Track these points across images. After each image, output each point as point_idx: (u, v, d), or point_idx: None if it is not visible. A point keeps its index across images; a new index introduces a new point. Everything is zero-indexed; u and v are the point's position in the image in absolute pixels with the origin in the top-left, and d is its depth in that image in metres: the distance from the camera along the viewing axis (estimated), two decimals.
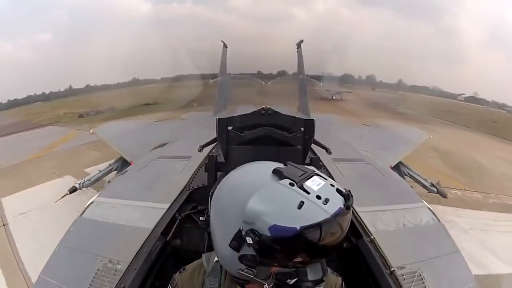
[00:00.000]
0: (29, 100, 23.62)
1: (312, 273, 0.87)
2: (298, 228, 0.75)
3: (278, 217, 0.76)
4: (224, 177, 0.97)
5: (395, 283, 1.63)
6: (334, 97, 23.35)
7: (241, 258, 0.84)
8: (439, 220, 2.21)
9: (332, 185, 0.82)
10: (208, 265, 1.08)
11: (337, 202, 0.78)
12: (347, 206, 0.79)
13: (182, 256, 2.12)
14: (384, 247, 1.83)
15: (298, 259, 0.81)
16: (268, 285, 0.88)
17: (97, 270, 1.68)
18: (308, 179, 0.81)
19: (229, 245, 0.84)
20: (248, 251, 0.82)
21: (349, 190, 0.83)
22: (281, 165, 0.88)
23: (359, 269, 1.87)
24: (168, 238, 2.00)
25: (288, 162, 0.89)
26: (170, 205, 2.23)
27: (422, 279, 1.66)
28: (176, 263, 2.12)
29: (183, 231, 2.17)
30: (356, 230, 2.02)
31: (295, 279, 0.86)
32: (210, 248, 1.11)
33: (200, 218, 2.12)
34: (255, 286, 0.92)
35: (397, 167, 4.56)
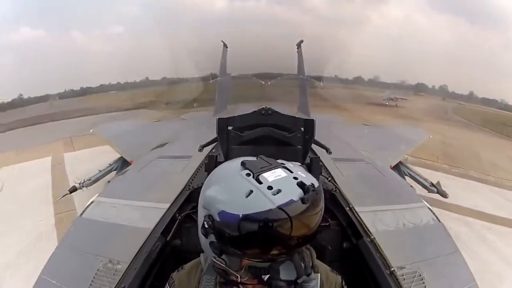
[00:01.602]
0: (102, 89, 24.13)
1: (285, 272, 0.85)
2: (240, 215, 0.76)
3: (226, 204, 0.80)
4: None
5: (395, 283, 1.62)
6: (388, 103, 21.80)
7: (210, 245, 0.88)
8: (439, 220, 2.21)
9: (295, 178, 0.81)
10: (205, 263, 1.08)
11: (290, 194, 0.77)
12: (303, 199, 0.77)
13: (182, 256, 2.12)
14: (384, 247, 1.82)
15: (252, 251, 0.82)
16: (241, 277, 0.88)
17: (97, 270, 1.67)
18: (268, 171, 0.82)
19: (200, 231, 0.89)
20: (213, 238, 0.86)
21: (312, 184, 0.81)
22: (250, 159, 0.90)
23: (359, 269, 1.87)
24: (168, 238, 2.00)
25: (261, 155, 0.91)
26: (170, 205, 2.23)
27: (422, 279, 1.66)
28: (176, 263, 2.11)
29: (183, 231, 2.17)
30: (356, 230, 2.02)
31: (268, 275, 0.85)
32: None
33: None
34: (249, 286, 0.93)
35: (397, 167, 4.56)
